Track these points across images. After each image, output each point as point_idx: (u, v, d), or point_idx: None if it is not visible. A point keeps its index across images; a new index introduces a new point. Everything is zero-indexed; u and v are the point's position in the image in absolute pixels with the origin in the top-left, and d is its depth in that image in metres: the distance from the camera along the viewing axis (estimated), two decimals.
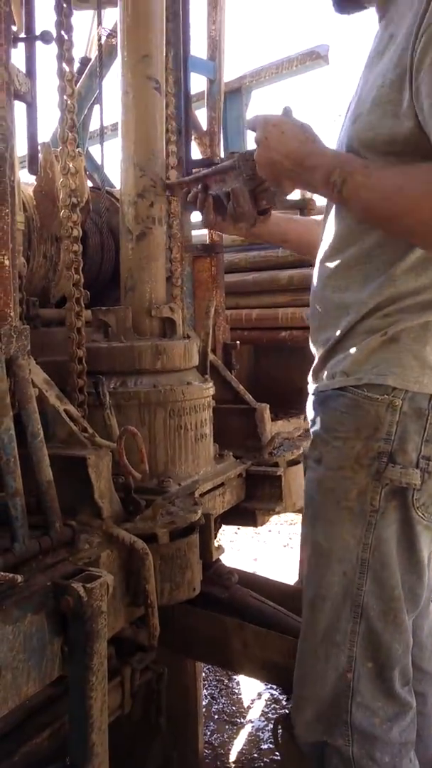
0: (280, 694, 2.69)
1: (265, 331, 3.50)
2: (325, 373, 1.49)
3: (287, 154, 1.36)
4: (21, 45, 1.74)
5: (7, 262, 1.51)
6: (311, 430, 1.53)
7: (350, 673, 1.39)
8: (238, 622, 1.78)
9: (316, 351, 1.56)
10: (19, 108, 1.76)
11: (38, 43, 1.76)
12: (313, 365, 1.56)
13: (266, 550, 4.77)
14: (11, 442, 1.29)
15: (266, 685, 2.76)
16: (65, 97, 1.70)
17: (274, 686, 2.63)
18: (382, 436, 1.36)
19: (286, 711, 2.45)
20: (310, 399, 1.57)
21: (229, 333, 2.72)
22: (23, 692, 1.22)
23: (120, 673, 1.64)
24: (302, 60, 3.54)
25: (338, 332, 1.44)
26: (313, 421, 1.53)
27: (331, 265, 1.48)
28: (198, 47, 2.39)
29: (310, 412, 1.58)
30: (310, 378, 1.59)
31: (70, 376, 1.76)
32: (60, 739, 1.45)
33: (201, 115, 2.84)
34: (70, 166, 1.72)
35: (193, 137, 2.56)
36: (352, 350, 1.41)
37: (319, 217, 1.71)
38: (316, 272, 1.56)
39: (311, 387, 1.57)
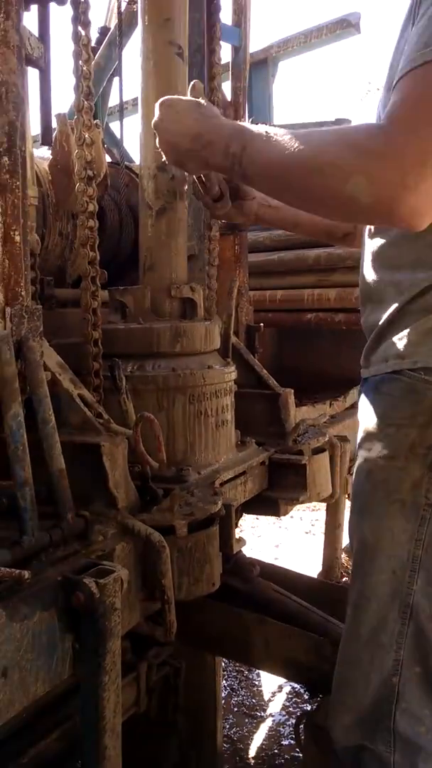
0: (301, 687, 2.62)
1: (289, 313, 3.40)
2: (378, 356, 1.39)
3: (184, 133, 1.30)
4: (34, 8, 1.64)
5: (18, 239, 1.43)
6: (360, 417, 1.44)
7: (396, 677, 1.30)
8: (259, 617, 1.70)
9: (366, 333, 1.46)
10: (33, 75, 1.68)
11: (53, 5, 1.66)
12: (365, 348, 1.46)
13: (288, 536, 4.70)
14: (20, 429, 1.22)
15: None
16: (81, 62, 1.61)
17: None
18: None
19: (308, 708, 2.39)
20: (362, 384, 1.48)
21: (253, 315, 2.62)
22: (32, 693, 1.16)
23: (135, 669, 1.57)
24: (332, 29, 3.39)
25: (390, 313, 1.34)
26: (364, 408, 1.43)
27: (378, 242, 1.37)
28: (222, 13, 2.25)
29: (361, 397, 1.48)
30: (361, 361, 1.49)
31: (85, 359, 1.68)
32: (72, 739, 1.39)
33: (225, 87, 2.71)
34: (86, 136, 1.62)
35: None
36: (407, 331, 1.30)
37: None
38: (363, 250, 1.46)
39: (363, 371, 1.47)
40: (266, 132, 1.19)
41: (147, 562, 1.40)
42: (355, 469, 1.43)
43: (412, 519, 1.29)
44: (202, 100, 1.34)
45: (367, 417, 1.40)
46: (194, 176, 1.56)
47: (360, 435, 1.42)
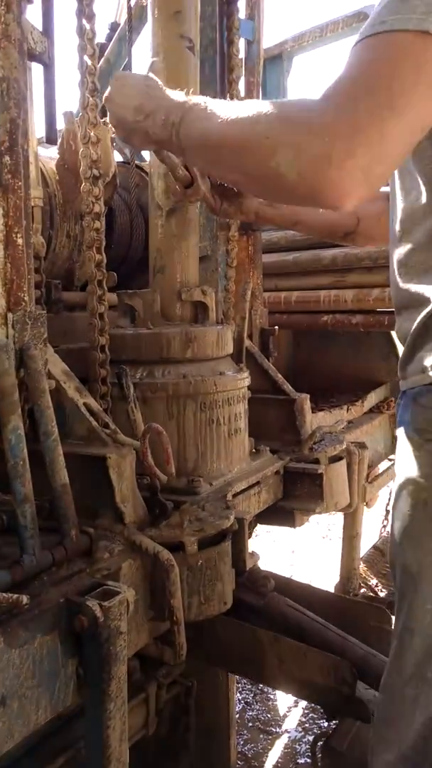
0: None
1: (305, 315, 3.31)
2: (414, 366, 1.30)
3: (127, 105, 1.30)
4: (37, 0, 1.58)
5: (20, 241, 1.37)
6: (399, 432, 1.35)
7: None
8: (274, 636, 1.63)
9: (401, 342, 1.38)
10: (38, 72, 1.62)
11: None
12: (400, 358, 1.38)
13: (304, 541, 4.61)
14: (19, 443, 1.15)
15: None
16: (86, 57, 1.54)
17: None
18: None
19: (326, 724, 2.31)
20: (400, 396, 1.39)
21: (267, 317, 2.54)
22: (32, 722, 1.10)
23: (144, 690, 1.51)
24: (348, 22, 3.29)
25: (420, 320, 1.26)
26: (402, 421, 1.34)
27: (405, 247, 1.29)
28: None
29: (400, 410, 1.39)
30: (399, 372, 1.41)
31: (92, 365, 1.62)
32: (78, 765, 1.32)
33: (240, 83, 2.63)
34: (92, 134, 1.56)
35: None
36: None
37: None
38: (391, 256, 1.38)
39: (401, 383, 1.39)
40: (205, 102, 1.16)
41: (155, 580, 1.33)
42: (394, 488, 1.34)
43: None
44: (151, 75, 1.35)
45: (406, 432, 1.31)
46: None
47: (399, 451, 1.32)
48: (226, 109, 1.10)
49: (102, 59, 3.09)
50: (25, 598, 1.02)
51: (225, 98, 2.17)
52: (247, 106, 1.09)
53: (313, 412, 2.24)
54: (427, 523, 1.21)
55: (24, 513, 1.16)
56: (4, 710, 1.04)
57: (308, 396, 2.17)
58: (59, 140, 1.98)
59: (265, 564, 2.26)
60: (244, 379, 1.83)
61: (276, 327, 2.44)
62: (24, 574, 1.14)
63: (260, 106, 1.06)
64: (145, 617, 1.35)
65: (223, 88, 2.21)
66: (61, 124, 1.94)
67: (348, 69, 1.00)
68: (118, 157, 2.49)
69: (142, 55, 1.92)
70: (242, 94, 2.55)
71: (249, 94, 2.59)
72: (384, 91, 0.95)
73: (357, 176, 0.97)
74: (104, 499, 1.38)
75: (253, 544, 2.42)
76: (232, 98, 1.96)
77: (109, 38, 3.21)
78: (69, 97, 1.90)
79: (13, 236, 1.36)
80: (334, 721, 1.79)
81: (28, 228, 1.42)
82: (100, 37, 3.22)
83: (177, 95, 1.26)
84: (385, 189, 1.35)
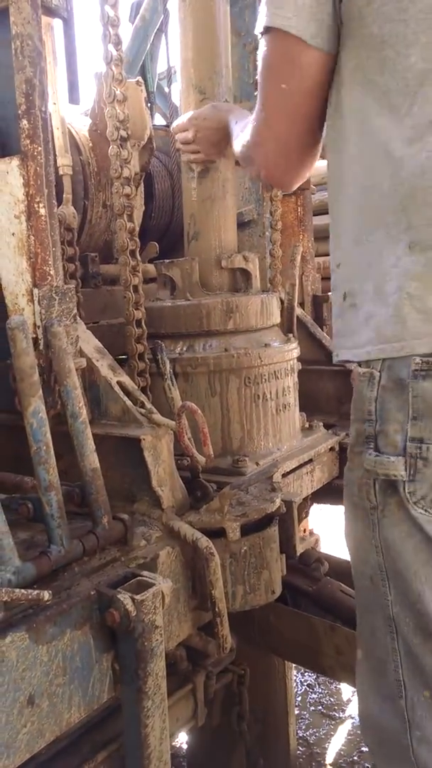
0: None
1: None
2: None
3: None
4: None
5: (43, 212, 1.28)
6: None
7: (402, 701, 1.11)
8: (330, 625, 1.52)
9: None
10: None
11: None
12: None
13: None
14: (42, 427, 1.08)
15: None
16: (107, 7, 1.42)
17: None
18: (365, 417, 1.08)
19: None
20: None
21: (320, 283, 2.38)
22: (65, 720, 1.04)
23: (192, 680, 1.44)
24: None
25: None
26: None
27: None
28: None
29: None
30: None
31: (128, 341, 1.53)
32: (120, 761, 1.27)
33: None
34: (117, 92, 1.45)
35: None
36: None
37: None
38: None
39: None
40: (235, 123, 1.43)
41: (196, 569, 1.25)
42: None
43: (367, 523, 1.11)
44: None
45: None
46: None
47: None
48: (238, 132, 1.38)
49: (138, 17, 2.95)
50: (46, 594, 0.95)
51: None
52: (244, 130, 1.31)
53: None
54: (347, 503, 1.18)
55: (50, 501, 1.09)
56: (32, 710, 0.98)
57: None
58: (92, 104, 1.88)
59: (322, 545, 2.15)
60: (293, 350, 1.70)
61: (330, 293, 2.28)
62: (51, 566, 1.07)
63: (244, 131, 1.29)
64: (188, 607, 1.27)
65: None
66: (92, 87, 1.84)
67: (259, 76, 1.16)
68: (159, 120, 2.38)
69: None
70: None
71: None
72: (260, 95, 1.16)
73: (278, 171, 1.23)
74: (141, 483, 1.31)
75: (312, 524, 2.31)
76: None
77: None
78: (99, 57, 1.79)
79: (35, 206, 1.28)
80: None
81: (51, 197, 1.33)
82: None
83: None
84: None
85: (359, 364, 1.11)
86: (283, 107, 1.13)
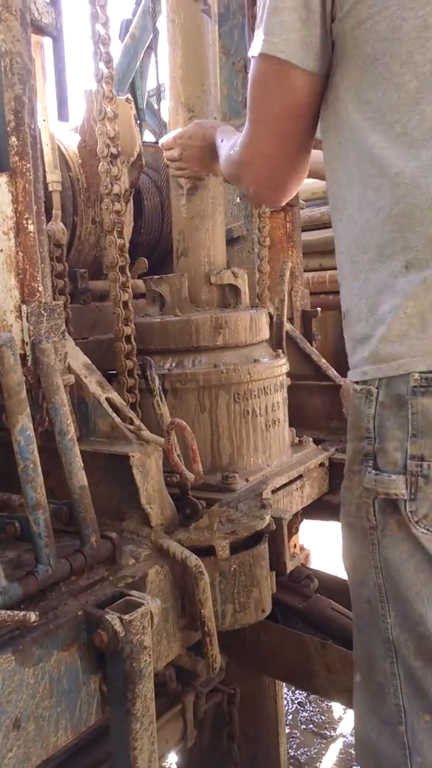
0: None
1: None
2: None
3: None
4: None
5: (32, 228, 1.28)
6: None
7: (402, 726, 1.09)
8: (321, 643, 1.51)
9: None
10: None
11: None
12: None
13: None
14: (29, 445, 1.07)
15: None
16: (98, 25, 1.43)
17: None
18: (364, 435, 1.08)
19: None
20: None
21: (309, 298, 2.39)
22: (52, 744, 1.02)
23: (181, 701, 1.42)
24: None
25: None
26: None
27: None
28: None
29: None
30: None
31: (118, 357, 1.52)
32: None
33: None
34: (108, 109, 1.45)
35: None
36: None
37: None
38: None
39: None
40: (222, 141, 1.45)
41: (185, 587, 1.23)
42: None
43: (365, 544, 1.10)
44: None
45: None
46: None
47: None
48: (225, 150, 1.38)
49: (127, 34, 2.98)
50: (33, 615, 0.93)
51: None
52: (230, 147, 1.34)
53: None
54: (344, 522, 1.17)
55: (37, 520, 1.07)
56: (18, 733, 0.96)
57: None
58: (81, 121, 1.88)
59: (313, 560, 2.14)
60: (282, 366, 1.70)
61: (318, 309, 2.29)
62: (38, 585, 1.06)
63: (230, 151, 1.32)
64: (177, 626, 1.26)
65: None
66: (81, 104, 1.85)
67: (248, 99, 1.18)
68: (149, 136, 2.39)
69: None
70: None
71: None
72: (249, 115, 1.17)
73: (267, 189, 1.25)
74: (129, 501, 1.29)
75: (302, 539, 2.30)
76: None
77: (134, 13, 3.09)
78: (88, 75, 1.80)
79: (23, 223, 1.28)
80: None
81: (40, 213, 1.33)
82: (126, 13, 3.12)
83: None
84: None
85: (356, 382, 1.11)
86: (272, 128, 1.15)
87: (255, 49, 1.09)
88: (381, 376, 1.04)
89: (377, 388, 1.04)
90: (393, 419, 1.03)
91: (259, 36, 1.08)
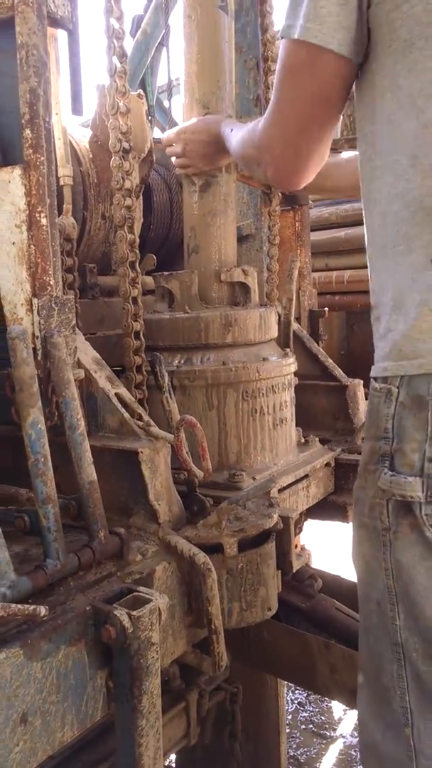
0: None
1: (359, 295, 3.13)
2: None
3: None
4: None
5: (44, 222, 1.28)
6: None
7: (408, 729, 1.08)
8: (324, 642, 1.51)
9: None
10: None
11: None
12: None
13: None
14: (40, 439, 1.06)
15: None
16: (112, 19, 1.43)
17: None
18: (381, 435, 1.06)
19: None
20: None
21: (317, 298, 2.39)
22: (58, 739, 1.02)
23: (184, 698, 1.41)
24: None
25: None
26: None
27: None
28: None
29: None
30: None
31: (126, 353, 1.52)
32: None
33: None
34: (120, 104, 1.45)
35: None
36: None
37: (348, 155, 1.49)
38: None
39: None
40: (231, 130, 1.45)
41: (192, 585, 1.23)
42: None
43: (377, 545, 1.09)
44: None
45: None
46: None
47: None
48: (238, 136, 1.39)
49: (139, 30, 2.97)
50: (43, 610, 0.93)
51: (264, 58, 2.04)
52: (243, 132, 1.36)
53: (366, 399, 2.09)
54: (356, 523, 1.16)
55: (47, 514, 1.07)
56: (25, 728, 0.96)
57: (361, 382, 2.02)
58: (93, 115, 1.88)
59: (314, 560, 2.13)
60: (290, 365, 1.70)
61: (326, 308, 2.29)
62: (47, 580, 1.05)
63: (245, 134, 1.33)
64: (183, 623, 1.26)
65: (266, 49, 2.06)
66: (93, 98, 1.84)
67: (275, 80, 1.17)
68: (158, 133, 2.38)
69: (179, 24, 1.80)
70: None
71: None
72: (275, 97, 1.16)
73: (286, 171, 1.24)
74: (137, 497, 1.29)
75: (304, 539, 2.30)
76: (266, 60, 1.85)
77: (146, 9, 3.08)
78: (100, 70, 1.80)
79: (36, 216, 1.27)
80: None
81: (53, 207, 1.33)
82: (138, 9, 3.11)
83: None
84: None
85: (375, 379, 1.10)
86: (300, 112, 1.14)
87: (289, 32, 1.07)
88: (402, 374, 1.02)
89: (398, 387, 1.03)
90: (412, 420, 1.02)
91: (292, 18, 1.06)
